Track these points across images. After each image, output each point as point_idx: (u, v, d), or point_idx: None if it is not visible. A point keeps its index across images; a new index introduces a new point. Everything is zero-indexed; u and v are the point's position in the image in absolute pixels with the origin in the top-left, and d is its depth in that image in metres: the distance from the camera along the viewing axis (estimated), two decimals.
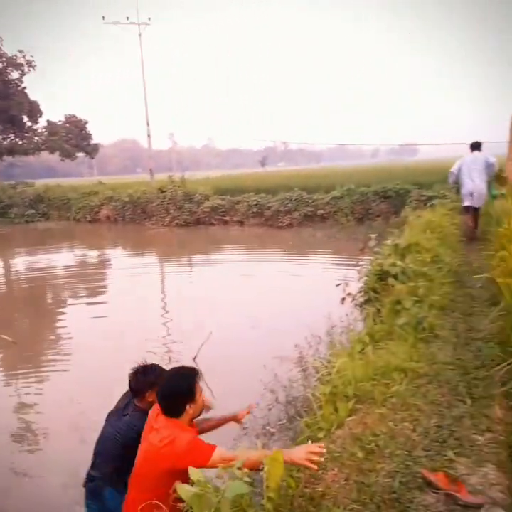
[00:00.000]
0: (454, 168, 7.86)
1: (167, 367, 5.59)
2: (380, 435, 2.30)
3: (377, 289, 5.07)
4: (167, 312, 8.09)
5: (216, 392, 4.94)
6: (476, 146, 7.73)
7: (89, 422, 4.43)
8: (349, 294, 5.79)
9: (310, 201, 16.77)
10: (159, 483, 2.04)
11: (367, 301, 5.19)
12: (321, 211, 16.49)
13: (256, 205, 17.55)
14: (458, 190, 8.38)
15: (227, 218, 18.12)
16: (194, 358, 5.67)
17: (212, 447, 2.03)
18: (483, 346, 3.43)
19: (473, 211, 7.72)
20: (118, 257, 14.69)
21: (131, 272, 11.39)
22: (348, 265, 10.22)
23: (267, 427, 3.83)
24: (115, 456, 2.49)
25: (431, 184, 15.64)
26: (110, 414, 2.70)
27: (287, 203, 16.89)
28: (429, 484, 1.94)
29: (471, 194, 7.59)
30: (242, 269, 11.00)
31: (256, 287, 9.05)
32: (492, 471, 2.02)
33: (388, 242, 6.69)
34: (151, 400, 2.53)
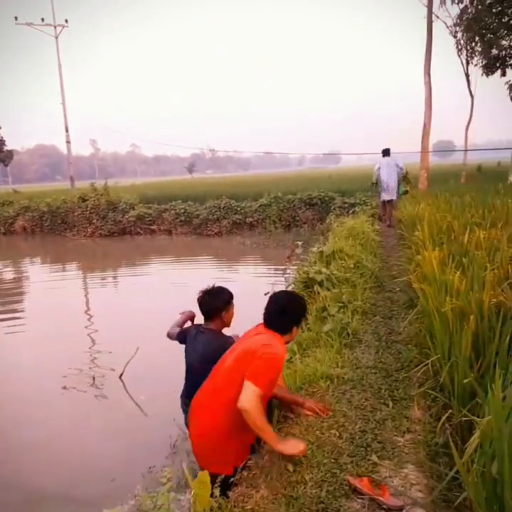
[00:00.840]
0: (376, 168, 10.17)
1: (90, 389, 5.30)
2: (307, 445, 2.32)
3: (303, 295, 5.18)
4: (92, 325, 7.69)
5: (147, 410, 4.79)
6: (386, 152, 9.97)
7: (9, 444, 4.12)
8: None
9: (238, 209, 16.86)
10: (236, 381, 2.23)
11: None
12: (250, 219, 16.64)
13: (184, 213, 17.31)
14: (377, 186, 10.60)
15: (154, 227, 17.69)
16: (120, 376, 5.43)
17: (275, 385, 2.48)
18: (403, 349, 3.61)
19: (388, 203, 10.11)
20: (36, 269, 13.79)
21: (51, 285, 10.74)
22: (277, 271, 10.36)
23: None
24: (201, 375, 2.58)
25: (353, 192, 16.39)
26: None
27: (216, 211, 16.84)
28: (355, 490, 1.98)
29: (386, 188, 9.89)
30: (171, 279, 10.77)
31: (185, 297, 8.84)
32: (412, 471, 2.11)
33: (314, 249, 6.88)
34: (226, 319, 2.98)
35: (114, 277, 12.19)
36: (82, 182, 26.29)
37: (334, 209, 15.03)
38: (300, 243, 7.07)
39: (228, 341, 2.81)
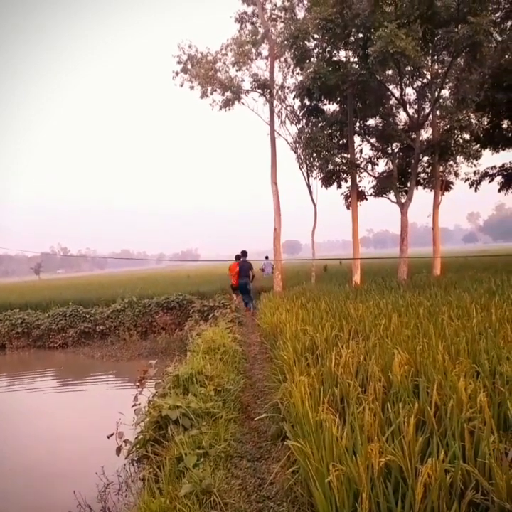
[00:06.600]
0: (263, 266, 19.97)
1: None
2: None
3: (156, 439, 4.24)
4: None
5: None
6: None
7: None
8: (126, 442, 4.80)
9: (88, 316, 15.18)
10: None
11: (145, 456, 4.26)
12: (101, 326, 14.98)
13: (21, 323, 14.98)
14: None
15: None
16: None
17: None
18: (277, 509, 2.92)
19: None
20: None
21: None
22: (132, 390, 9.07)
23: None
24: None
25: (212, 293, 16.12)
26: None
27: (60, 320, 14.91)
28: None
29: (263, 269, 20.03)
30: None
31: (7, 442, 7.03)
32: None
33: (170, 369, 6.08)
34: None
35: None
36: None
37: (193, 312, 14.40)
38: (154, 362, 6.17)
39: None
